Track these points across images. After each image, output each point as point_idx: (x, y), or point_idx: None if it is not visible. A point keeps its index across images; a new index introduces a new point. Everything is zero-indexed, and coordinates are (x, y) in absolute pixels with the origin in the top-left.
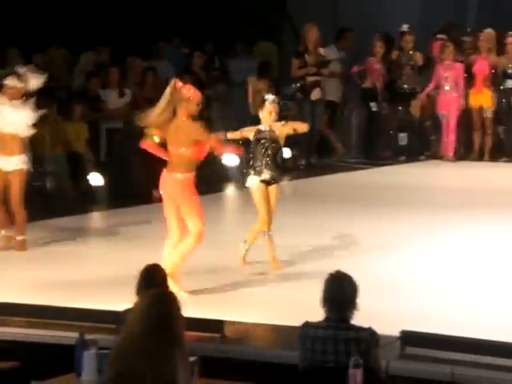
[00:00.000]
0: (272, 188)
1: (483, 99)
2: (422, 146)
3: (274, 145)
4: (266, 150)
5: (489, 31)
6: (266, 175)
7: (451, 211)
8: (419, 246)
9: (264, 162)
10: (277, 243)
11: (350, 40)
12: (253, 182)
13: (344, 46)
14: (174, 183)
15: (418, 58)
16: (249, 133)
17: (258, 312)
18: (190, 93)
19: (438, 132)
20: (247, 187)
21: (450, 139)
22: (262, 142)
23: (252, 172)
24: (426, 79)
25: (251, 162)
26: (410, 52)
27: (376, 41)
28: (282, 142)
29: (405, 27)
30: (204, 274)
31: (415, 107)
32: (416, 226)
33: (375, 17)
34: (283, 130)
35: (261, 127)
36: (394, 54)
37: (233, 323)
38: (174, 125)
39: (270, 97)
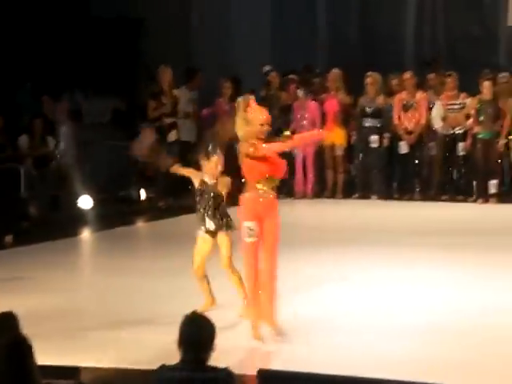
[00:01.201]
0: (221, 236)
1: (335, 137)
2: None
3: (216, 199)
4: (209, 202)
5: (335, 71)
6: (211, 225)
7: (312, 248)
8: (289, 284)
9: (208, 213)
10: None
11: (199, 80)
12: (199, 232)
13: (194, 87)
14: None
15: (285, 97)
16: (194, 179)
17: (115, 356)
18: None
19: (292, 170)
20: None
21: (308, 177)
22: (206, 195)
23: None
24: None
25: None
26: (277, 92)
27: (224, 82)
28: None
29: (267, 68)
30: (55, 321)
31: None
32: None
33: (228, 59)
34: (224, 185)
35: (206, 179)
36: (263, 93)
37: (89, 369)
38: None
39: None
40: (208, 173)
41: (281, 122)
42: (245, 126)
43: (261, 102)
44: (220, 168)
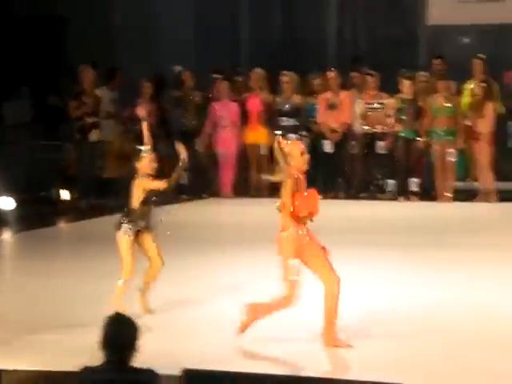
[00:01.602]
0: (148, 236)
1: (258, 136)
2: (202, 183)
3: (150, 196)
4: (145, 201)
5: (258, 71)
6: (142, 223)
7: (235, 247)
8: (217, 283)
9: (142, 211)
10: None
11: (119, 80)
12: (128, 231)
13: (115, 87)
14: None
15: (197, 96)
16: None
17: (38, 359)
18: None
19: (217, 170)
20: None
21: (228, 177)
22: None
23: (126, 220)
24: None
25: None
26: (190, 92)
27: (144, 81)
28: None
29: (179, 68)
30: None
31: (200, 145)
32: (203, 263)
33: (150, 59)
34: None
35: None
36: (177, 93)
37: (10, 372)
38: None
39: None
40: (141, 172)
41: (196, 121)
42: (285, 162)
43: (174, 102)
44: (153, 165)
